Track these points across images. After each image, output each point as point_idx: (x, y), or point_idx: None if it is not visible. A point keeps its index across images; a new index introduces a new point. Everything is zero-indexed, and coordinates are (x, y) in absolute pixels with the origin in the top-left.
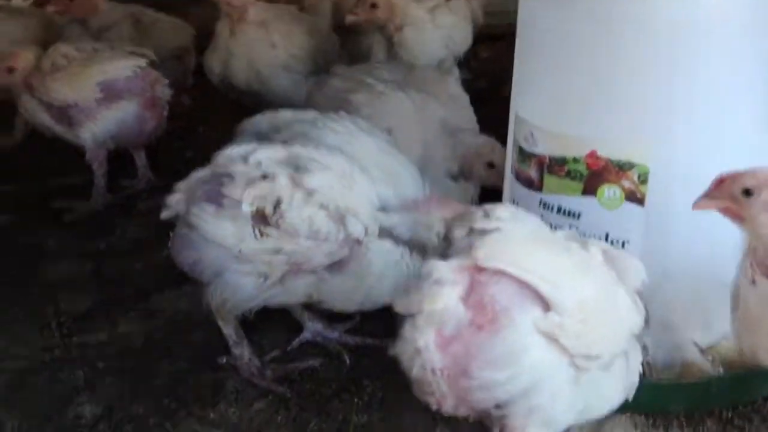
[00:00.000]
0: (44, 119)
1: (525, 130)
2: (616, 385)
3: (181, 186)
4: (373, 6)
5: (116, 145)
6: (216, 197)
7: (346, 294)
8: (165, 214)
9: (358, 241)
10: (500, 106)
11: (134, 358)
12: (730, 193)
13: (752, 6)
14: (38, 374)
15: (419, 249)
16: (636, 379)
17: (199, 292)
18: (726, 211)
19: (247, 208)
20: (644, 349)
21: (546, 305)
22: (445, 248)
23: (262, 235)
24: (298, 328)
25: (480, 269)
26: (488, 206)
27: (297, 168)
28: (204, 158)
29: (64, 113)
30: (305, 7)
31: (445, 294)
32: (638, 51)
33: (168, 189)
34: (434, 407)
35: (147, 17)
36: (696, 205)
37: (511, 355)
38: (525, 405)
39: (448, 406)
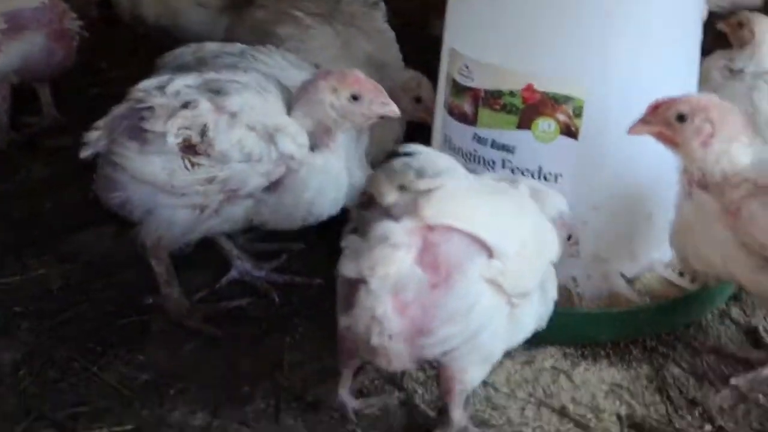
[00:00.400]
0: None
1: (460, 64)
2: (535, 313)
3: (100, 123)
4: None
5: (21, 79)
6: (138, 133)
7: (287, 212)
8: (84, 153)
9: (292, 157)
10: (425, 42)
11: (52, 301)
12: (665, 119)
13: None
14: None
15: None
16: (551, 308)
17: (117, 232)
18: (660, 136)
19: (172, 140)
20: (573, 280)
21: (489, 252)
22: (367, 210)
23: (193, 165)
24: (226, 267)
25: (430, 228)
26: (415, 164)
27: (217, 92)
28: (111, 95)
29: None
30: None
31: (399, 257)
32: None
33: (74, 127)
34: (383, 366)
35: None
36: (631, 129)
37: (465, 307)
38: (469, 347)
39: (398, 365)
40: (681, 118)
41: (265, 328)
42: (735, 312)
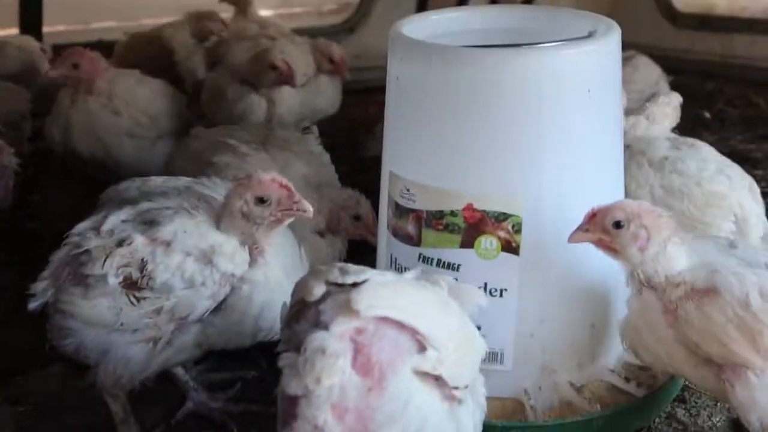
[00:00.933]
0: None
1: (400, 187)
2: (471, 419)
3: (45, 273)
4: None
5: None
6: (81, 278)
7: (237, 330)
8: (32, 305)
9: (233, 275)
10: (356, 162)
11: None
12: (602, 226)
13: (601, 69)
14: None
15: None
16: (484, 411)
17: (65, 373)
18: (599, 243)
19: (114, 281)
20: (525, 392)
21: (421, 346)
22: (297, 323)
23: (138, 300)
24: (182, 401)
25: (359, 330)
26: (339, 265)
27: (149, 223)
28: (50, 229)
29: None
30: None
31: (340, 366)
32: (507, 111)
33: (16, 265)
34: None
35: None
36: (571, 238)
37: (401, 407)
38: None
39: None
40: (617, 224)
41: None
42: (680, 413)
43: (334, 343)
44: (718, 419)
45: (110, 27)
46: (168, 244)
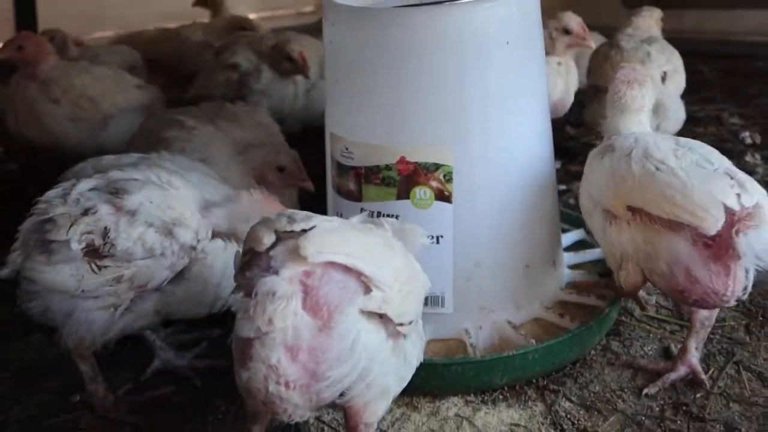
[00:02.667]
0: None
1: (340, 146)
2: (416, 348)
3: (16, 244)
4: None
5: None
6: (45, 245)
7: (195, 300)
8: (3, 273)
9: (193, 248)
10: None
11: None
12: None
13: (518, 22)
14: None
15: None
16: (424, 342)
17: (43, 341)
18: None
19: (76, 246)
20: (466, 332)
21: (366, 285)
22: (249, 270)
23: (99, 268)
24: (149, 356)
25: (308, 273)
26: (287, 213)
27: (116, 192)
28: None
29: None
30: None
31: (291, 308)
32: (431, 67)
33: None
34: (284, 418)
35: None
36: None
37: (349, 346)
38: (363, 384)
39: (299, 414)
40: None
41: (189, 412)
42: (615, 345)
43: (284, 285)
44: (649, 348)
45: (104, 37)
46: (132, 213)
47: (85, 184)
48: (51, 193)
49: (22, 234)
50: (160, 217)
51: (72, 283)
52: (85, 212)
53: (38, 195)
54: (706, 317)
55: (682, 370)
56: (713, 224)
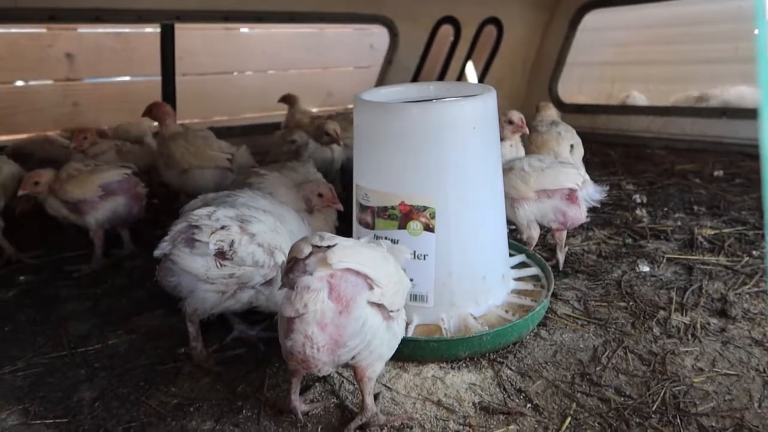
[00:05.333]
0: (63, 212)
1: (362, 192)
2: (400, 328)
3: (167, 237)
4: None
5: (111, 226)
6: (190, 241)
7: (275, 300)
8: (157, 252)
9: (281, 267)
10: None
11: (120, 360)
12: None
13: (482, 114)
14: (53, 374)
15: None
16: (405, 322)
17: (164, 315)
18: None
19: (212, 248)
20: (442, 320)
21: (370, 284)
22: (291, 272)
23: (221, 266)
24: (230, 329)
25: (332, 275)
26: (318, 232)
27: (243, 221)
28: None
29: (76, 206)
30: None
31: (320, 297)
32: (424, 143)
33: (142, 254)
34: (313, 372)
35: (125, 146)
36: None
37: (360, 324)
38: (368, 350)
39: (324, 370)
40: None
41: (253, 365)
42: (543, 332)
43: (315, 282)
44: (567, 336)
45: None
46: (252, 236)
47: (222, 212)
48: (201, 211)
49: (173, 231)
50: (268, 242)
51: (202, 271)
52: (222, 227)
53: (164, 219)
54: (563, 235)
55: (560, 257)
56: (576, 186)
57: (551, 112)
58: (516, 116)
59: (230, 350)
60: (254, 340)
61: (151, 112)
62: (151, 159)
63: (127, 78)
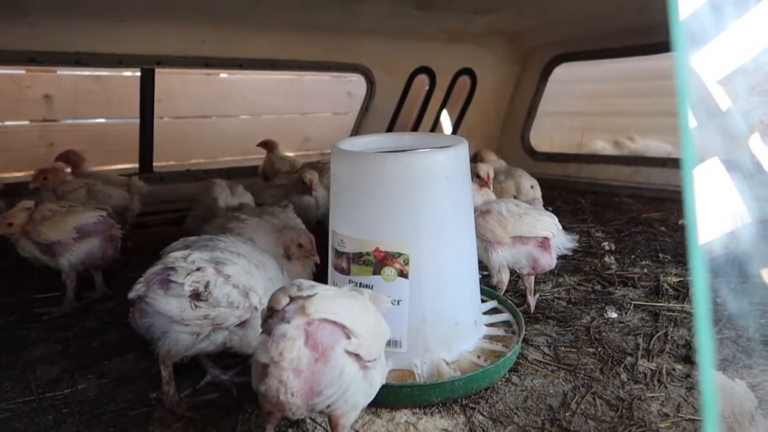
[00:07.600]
0: (35, 253)
1: (338, 239)
2: (379, 376)
3: (142, 279)
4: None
5: (84, 268)
6: (165, 283)
7: (249, 341)
8: (131, 295)
9: (255, 308)
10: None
11: (89, 404)
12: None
13: (453, 164)
14: (20, 419)
15: None
16: (386, 373)
17: (135, 358)
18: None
19: (187, 289)
20: (416, 365)
21: (347, 334)
22: (270, 319)
23: (196, 307)
24: (203, 373)
25: (309, 323)
26: (296, 281)
27: (218, 263)
28: (138, 277)
29: (49, 248)
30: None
31: (297, 345)
32: (397, 190)
33: (115, 297)
34: (287, 415)
35: (97, 186)
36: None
37: (337, 373)
38: (343, 400)
39: (298, 414)
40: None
41: (226, 410)
42: (514, 378)
43: (291, 330)
44: (538, 382)
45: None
46: (227, 277)
47: (197, 255)
48: (177, 254)
49: (149, 273)
50: (243, 283)
51: (176, 312)
52: (198, 269)
53: (139, 262)
54: (532, 279)
55: (531, 301)
56: (551, 234)
57: (492, 158)
58: (483, 171)
59: (203, 395)
60: (228, 385)
61: (67, 158)
62: (124, 200)
63: (103, 120)
